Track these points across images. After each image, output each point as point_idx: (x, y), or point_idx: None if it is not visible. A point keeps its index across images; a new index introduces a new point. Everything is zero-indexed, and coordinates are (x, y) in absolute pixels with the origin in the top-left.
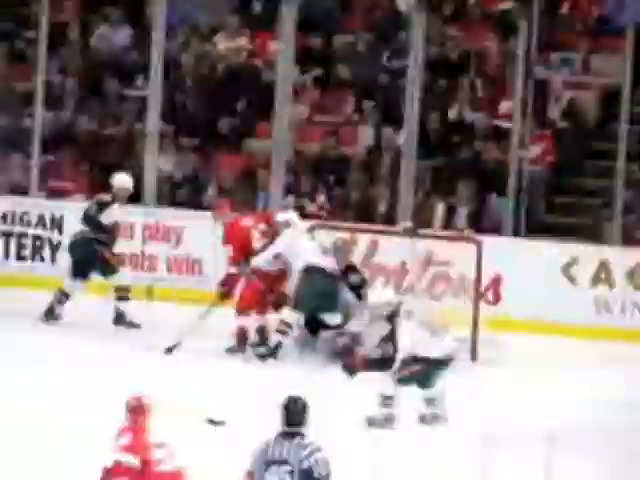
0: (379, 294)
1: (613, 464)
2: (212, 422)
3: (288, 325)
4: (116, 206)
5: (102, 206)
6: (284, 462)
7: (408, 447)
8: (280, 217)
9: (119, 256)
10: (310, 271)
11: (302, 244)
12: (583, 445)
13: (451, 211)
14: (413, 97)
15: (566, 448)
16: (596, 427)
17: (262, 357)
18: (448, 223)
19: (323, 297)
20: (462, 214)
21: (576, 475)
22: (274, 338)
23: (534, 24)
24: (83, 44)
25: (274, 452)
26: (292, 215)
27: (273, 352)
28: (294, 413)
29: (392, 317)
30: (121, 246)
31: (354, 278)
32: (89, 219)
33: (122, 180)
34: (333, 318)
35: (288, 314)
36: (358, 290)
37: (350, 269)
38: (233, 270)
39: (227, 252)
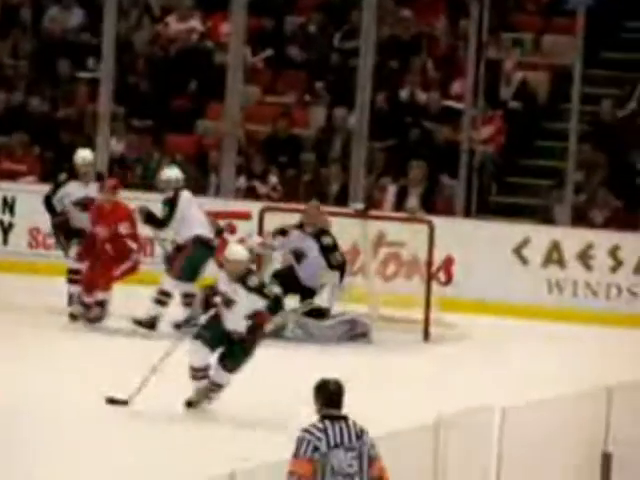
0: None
1: (559, 433)
2: (112, 401)
3: (167, 295)
4: (71, 184)
5: (56, 186)
6: (351, 448)
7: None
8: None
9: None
10: (197, 243)
11: (193, 214)
12: (531, 419)
13: (403, 192)
14: (365, 78)
15: (515, 424)
16: (542, 404)
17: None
18: (400, 204)
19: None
20: (414, 195)
21: (524, 446)
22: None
23: (485, 5)
24: (35, 26)
25: (335, 436)
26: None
27: (152, 323)
28: (338, 395)
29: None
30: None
31: (326, 240)
32: (45, 201)
33: (80, 156)
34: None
35: (168, 284)
36: (328, 253)
37: (323, 232)
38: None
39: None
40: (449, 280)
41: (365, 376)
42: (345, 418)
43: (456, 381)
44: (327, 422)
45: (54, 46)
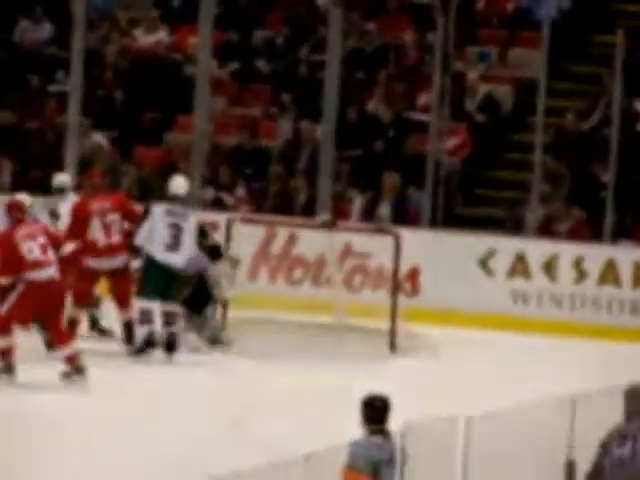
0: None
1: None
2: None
3: (149, 312)
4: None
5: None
6: (392, 460)
7: None
8: None
9: None
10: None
11: (158, 230)
12: (495, 429)
13: (371, 203)
14: (331, 90)
15: (479, 434)
16: (506, 413)
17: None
18: (367, 215)
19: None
20: (386, 205)
21: (488, 455)
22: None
23: (451, 19)
24: (6, 39)
25: (387, 451)
26: None
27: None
28: (383, 411)
29: None
30: None
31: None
32: None
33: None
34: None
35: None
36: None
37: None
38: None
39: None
40: (415, 291)
41: (330, 385)
42: (388, 433)
43: (421, 391)
44: (379, 438)
45: (24, 59)
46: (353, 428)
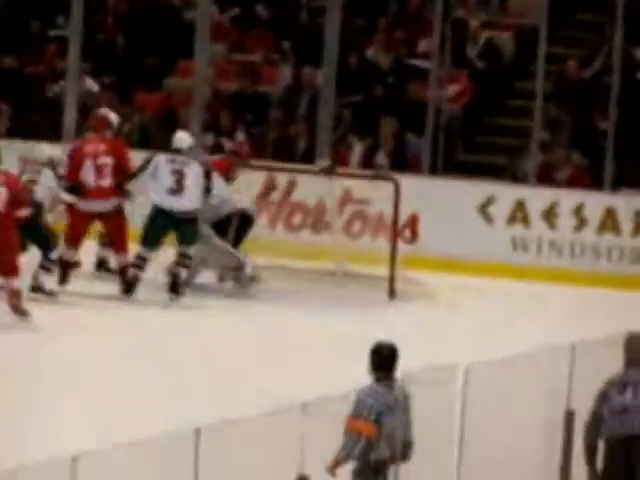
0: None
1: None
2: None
3: (144, 259)
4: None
5: None
6: (395, 408)
7: None
8: None
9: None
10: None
11: (160, 178)
12: (494, 376)
13: (370, 150)
14: (332, 37)
15: (478, 381)
16: (506, 361)
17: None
18: (367, 162)
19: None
20: (383, 152)
21: (487, 403)
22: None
23: None
24: None
25: (391, 399)
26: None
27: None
28: (391, 359)
29: None
30: None
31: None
32: None
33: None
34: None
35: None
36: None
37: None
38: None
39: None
40: (414, 238)
41: (331, 333)
42: (394, 381)
43: (421, 339)
44: (383, 386)
45: (24, 4)
46: (355, 375)
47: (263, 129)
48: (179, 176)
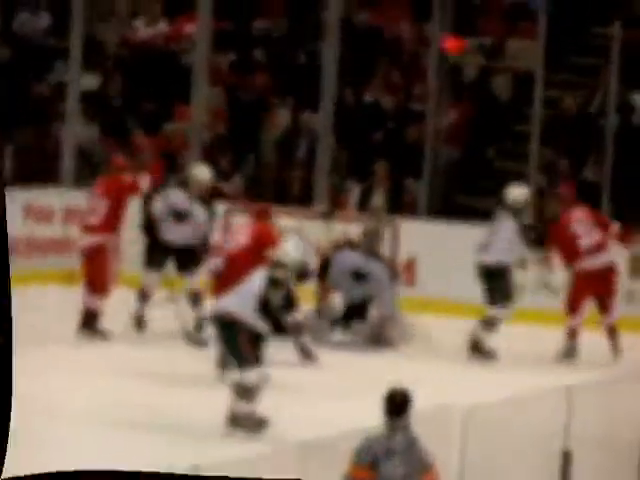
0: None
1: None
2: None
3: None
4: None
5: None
6: (397, 453)
7: None
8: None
9: None
10: None
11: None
12: (499, 420)
13: (367, 192)
14: (329, 81)
15: (476, 423)
16: (503, 403)
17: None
18: (364, 205)
19: None
20: (379, 195)
21: (485, 444)
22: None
23: (448, 9)
24: (5, 29)
25: (390, 443)
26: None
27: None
28: (401, 405)
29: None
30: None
31: None
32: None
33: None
34: None
35: None
36: None
37: None
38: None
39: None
40: (412, 281)
41: (328, 375)
42: (405, 427)
43: (419, 381)
44: (388, 430)
45: (23, 49)
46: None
47: (260, 172)
48: None
